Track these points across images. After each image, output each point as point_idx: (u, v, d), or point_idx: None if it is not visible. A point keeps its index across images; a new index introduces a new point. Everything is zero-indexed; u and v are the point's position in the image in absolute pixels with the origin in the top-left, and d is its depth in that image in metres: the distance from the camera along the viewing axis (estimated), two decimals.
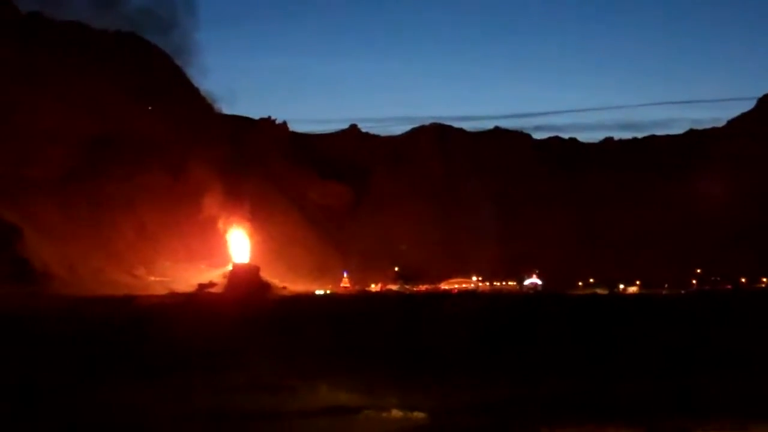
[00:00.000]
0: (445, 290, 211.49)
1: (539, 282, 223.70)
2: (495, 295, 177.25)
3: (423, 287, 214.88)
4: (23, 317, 72.44)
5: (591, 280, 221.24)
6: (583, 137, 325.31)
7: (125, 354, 44.21)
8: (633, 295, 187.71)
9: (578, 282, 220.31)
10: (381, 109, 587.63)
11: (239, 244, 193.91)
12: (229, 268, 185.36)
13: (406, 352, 45.59)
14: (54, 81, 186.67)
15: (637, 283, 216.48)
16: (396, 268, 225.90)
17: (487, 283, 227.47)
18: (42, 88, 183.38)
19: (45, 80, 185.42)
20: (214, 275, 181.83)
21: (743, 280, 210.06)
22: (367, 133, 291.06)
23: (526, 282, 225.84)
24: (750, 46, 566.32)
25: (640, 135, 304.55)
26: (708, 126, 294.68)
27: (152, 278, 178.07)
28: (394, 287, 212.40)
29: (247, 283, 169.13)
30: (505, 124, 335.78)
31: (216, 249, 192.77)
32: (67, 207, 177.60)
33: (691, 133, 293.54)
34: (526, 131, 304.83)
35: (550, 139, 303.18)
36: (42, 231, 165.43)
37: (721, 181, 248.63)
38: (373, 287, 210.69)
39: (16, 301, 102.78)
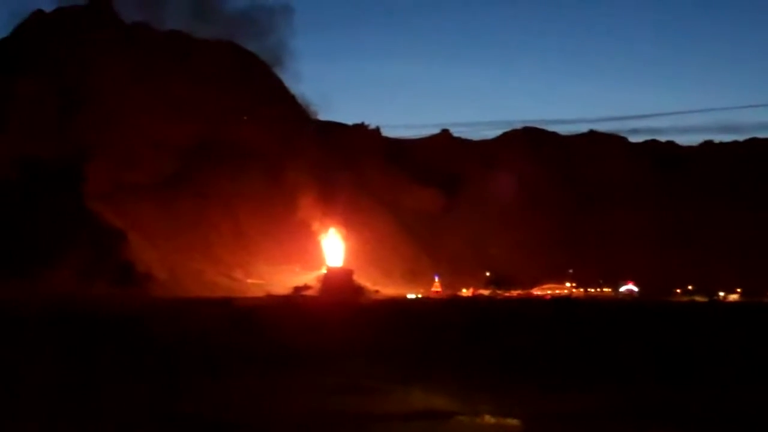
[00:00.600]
0: (537, 296, 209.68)
1: (635, 289, 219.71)
2: (591, 302, 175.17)
3: (515, 293, 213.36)
4: (128, 318, 75.10)
5: (690, 287, 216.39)
6: (682, 140, 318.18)
7: (226, 354, 45.53)
8: (734, 302, 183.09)
9: (676, 289, 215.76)
10: (473, 114, 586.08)
11: (333, 247, 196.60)
12: (323, 271, 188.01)
13: (499, 357, 45.94)
14: (156, 89, 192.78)
15: (738, 290, 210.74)
16: (487, 273, 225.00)
17: (582, 290, 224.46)
18: (145, 96, 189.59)
19: (148, 88, 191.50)
20: (309, 278, 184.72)
21: None
22: (459, 138, 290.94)
23: (622, 289, 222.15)
24: None
25: (741, 138, 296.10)
26: None
27: (249, 280, 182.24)
28: (485, 292, 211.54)
29: (340, 286, 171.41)
30: (600, 127, 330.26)
31: (310, 252, 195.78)
32: (169, 211, 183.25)
33: None
34: (622, 135, 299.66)
35: (647, 142, 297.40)
36: (145, 234, 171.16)
37: None
38: (465, 292, 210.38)
39: (122, 302, 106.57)
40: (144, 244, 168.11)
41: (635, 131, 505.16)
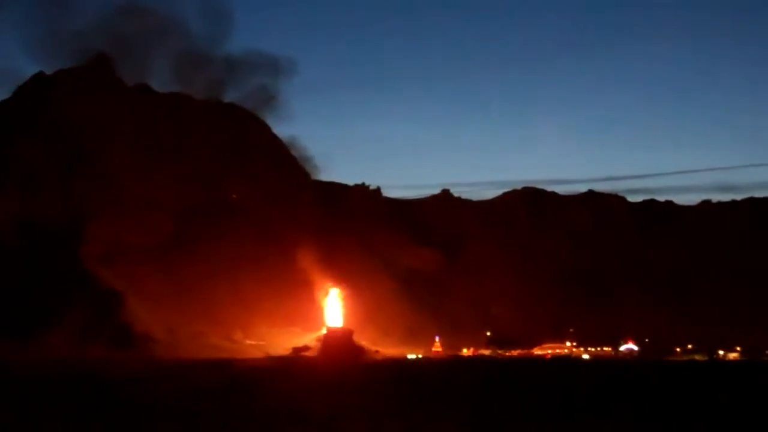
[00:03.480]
0: (538, 355, 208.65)
1: (635, 348, 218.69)
2: (593, 362, 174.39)
3: (515, 352, 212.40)
4: (123, 381, 74.79)
5: (689, 346, 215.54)
6: (680, 200, 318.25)
7: (225, 415, 45.38)
8: (733, 361, 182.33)
9: (676, 348, 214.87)
10: (473, 174, 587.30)
11: (333, 308, 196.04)
12: (323, 332, 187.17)
13: (506, 418, 45.79)
14: (156, 150, 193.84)
15: (738, 349, 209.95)
16: (488, 333, 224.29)
17: (582, 349, 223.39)
18: (145, 157, 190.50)
19: (148, 150, 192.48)
20: (309, 339, 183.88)
21: None
22: (459, 198, 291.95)
23: (622, 348, 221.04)
24: None
25: (739, 197, 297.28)
26: None
27: (249, 342, 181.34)
28: (486, 352, 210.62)
29: (340, 346, 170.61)
30: (598, 187, 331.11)
31: (310, 313, 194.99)
32: (168, 272, 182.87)
33: None
34: (620, 194, 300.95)
35: (645, 202, 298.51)
36: (143, 296, 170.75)
37: None
38: (465, 352, 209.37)
39: (117, 365, 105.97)
40: (143, 305, 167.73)
41: (633, 191, 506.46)
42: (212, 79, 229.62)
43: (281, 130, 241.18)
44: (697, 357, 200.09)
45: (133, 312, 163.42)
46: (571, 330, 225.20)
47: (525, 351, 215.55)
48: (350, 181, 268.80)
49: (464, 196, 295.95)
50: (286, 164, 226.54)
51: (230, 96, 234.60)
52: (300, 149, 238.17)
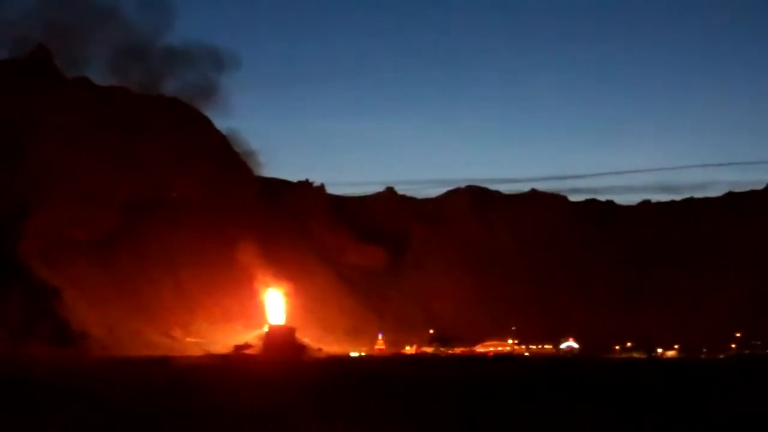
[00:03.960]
0: (480, 353, 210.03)
1: (576, 345, 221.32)
2: (533, 359, 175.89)
3: (458, 350, 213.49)
4: (61, 379, 73.35)
5: (628, 344, 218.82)
6: (621, 199, 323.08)
7: (162, 414, 44.61)
8: (671, 359, 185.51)
9: (615, 346, 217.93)
10: (417, 172, 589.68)
11: (275, 305, 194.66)
12: (265, 329, 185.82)
13: (448, 416, 45.63)
14: (97, 144, 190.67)
15: (676, 347, 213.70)
16: (431, 330, 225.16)
17: (523, 347, 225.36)
18: (85, 151, 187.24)
19: (88, 144, 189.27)
20: (250, 336, 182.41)
21: None
22: (403, 196, 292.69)
23: (563, 345, 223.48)
24: None
25: (677, 197, 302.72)
26: (747, 188, 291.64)
27: (189, 339, 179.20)
28: (429, 350, 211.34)
29: (282, 344, 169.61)
30: (541, 186, 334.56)
31: (252, 310, 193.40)
32: (107, 268, 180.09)
33: (730, 195, 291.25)
34: (562, 193, 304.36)
35: (587, 201, 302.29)
36: (82, 292, 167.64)
37: (760, 243, 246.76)
38: (408, 349, 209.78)
39: (55, 363, 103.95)
40: (81, 302, 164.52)
41: (575, 190, 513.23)
42: (152, 72, 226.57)
43: (223, 124, 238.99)
44: (636, 355, 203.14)
45: (71, 309, 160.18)
46: (513, 328, 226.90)
47: (467, 348, 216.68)
48: (294, 178, 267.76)
49: (408, 193, 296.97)
50: (228, 159, 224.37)
51: (171, 89, 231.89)
52: (242, 143, 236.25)
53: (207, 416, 43.77)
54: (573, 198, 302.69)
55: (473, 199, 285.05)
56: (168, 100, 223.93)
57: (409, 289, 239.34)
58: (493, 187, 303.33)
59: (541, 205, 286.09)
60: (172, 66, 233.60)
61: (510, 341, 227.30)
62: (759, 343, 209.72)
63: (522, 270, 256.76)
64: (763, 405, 52.97)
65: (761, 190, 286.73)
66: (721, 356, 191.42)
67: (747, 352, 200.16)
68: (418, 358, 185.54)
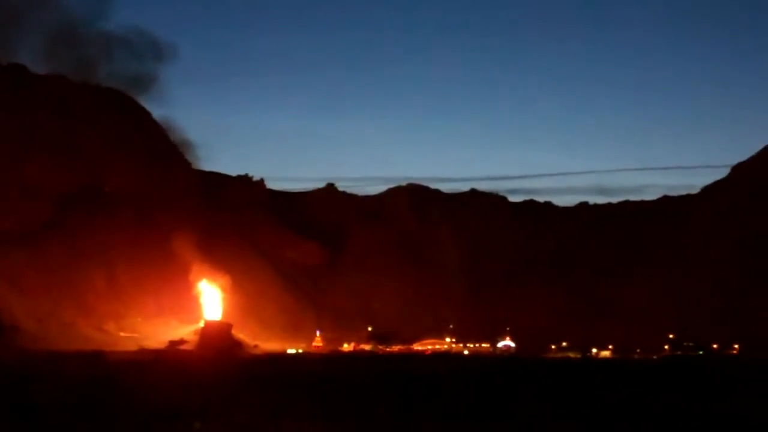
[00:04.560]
0: (418, 351, 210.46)
1: (512, 345, 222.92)
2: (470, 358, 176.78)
3: (396, 348, 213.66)
4: None
5: (564, 344, 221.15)
6: (559, 201, 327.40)
7: (93, 410, 43.54)
8: (605, 359, 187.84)
9: (551, 345, 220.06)
10: (358, 169, 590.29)
11: (212, 300, 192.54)
12: (201, 325, 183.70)
13: (372, 411, 45.26)
14: (32, 135, 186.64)
15: (610, 347, 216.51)
16: (369, 328, 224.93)
17: (461, 345, 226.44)
18: (17, 140, 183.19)
19: (23, 134, 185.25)
20: (186, 332, 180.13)
21: (715, 346, 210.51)
22: (344, 192, 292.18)
23: (500, 344, 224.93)
24: (724, 115, 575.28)
25: (614, 200, 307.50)
26: (682, 193, 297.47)
27: (122, 334, 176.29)
28: (366, 347, 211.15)
29: (218, 340, 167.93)
30: (481, 186, 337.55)
31: (188, 305, 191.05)
32: (39, 261, 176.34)
33: (665, 199, 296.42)
34: (501, 194, 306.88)
35: (525, 202, 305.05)
36: (13, 284, 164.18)
37: (693, 247, 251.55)
38: (346, 347, 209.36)
39: None
40: (11, 294, 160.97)
41: (514, 191, 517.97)
42: (89, 60, 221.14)
43: (161, 115, 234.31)
44: (571, 354, 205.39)
45: (1, 301, 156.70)
46: (451, 326, 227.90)
47: (405, 346, 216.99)
48: (233, 172, 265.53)
49: (349, 190, 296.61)
50: (165, 151, 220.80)
51: (108, 78, 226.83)
52: (179, 134, 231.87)
53: (122, 413, 42.76)
54: (512, 198, 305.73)
55: (413, 198, 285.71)
56: (104, 89, 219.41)
57: (347, 286, 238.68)
58: (433, 185, 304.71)
59: (480, 205, 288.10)
60: (109, 54, 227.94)
61: (448, 340, 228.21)
62: (692, 344, 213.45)
63: (461, 269, 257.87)
64: (693, 404, 53.62)
65: (696, 194, 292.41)
66: (654, 357, 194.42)
67: (679, 353, 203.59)
68: (354, 355, 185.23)
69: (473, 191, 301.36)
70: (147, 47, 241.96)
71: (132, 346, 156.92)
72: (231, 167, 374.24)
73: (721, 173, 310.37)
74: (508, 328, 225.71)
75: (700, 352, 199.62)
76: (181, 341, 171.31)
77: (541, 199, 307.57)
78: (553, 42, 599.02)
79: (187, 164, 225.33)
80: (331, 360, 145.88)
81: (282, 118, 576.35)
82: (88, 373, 76.15)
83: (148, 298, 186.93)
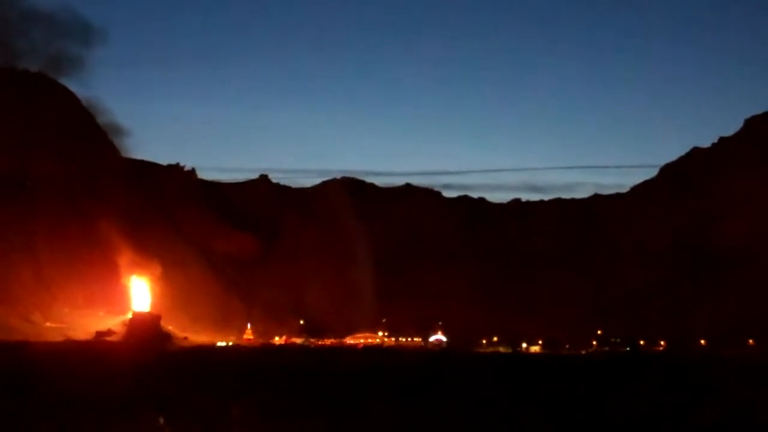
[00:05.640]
0: (350, 345, 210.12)
1: (444, 339, 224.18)
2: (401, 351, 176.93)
3: (328, 341, 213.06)
4: None
5: (495, 339, 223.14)
6: (492, 197, 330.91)
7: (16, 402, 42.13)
8: (534, 354, 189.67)
9: (482, 340, 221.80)
10: (292, 161, 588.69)
11: (140, 291, 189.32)
12: (129, 316, 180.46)
13: (310, 405, 44.70)
14: None
15: (540, 342, 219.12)
16: (301, 321, 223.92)
17: (393, 339, 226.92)
18: None
19: None
20: (114, 323, 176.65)
21: (642, 342, 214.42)
22: (277, 184, 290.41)
23: (431, 338, 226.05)
24: (653, 117, 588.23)
25: (546, 197, 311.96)
26: (612, 191, 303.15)
27: (48, 324, 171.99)
28: (298, 340, 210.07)
29: (146, 332, 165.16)
30: (416, 181, 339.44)
31: (116, 296, 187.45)
32: None
33: (596, 197, 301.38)
34: (436, 189, 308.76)
35: (459, 197, 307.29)
36: None
37: (622, 244, 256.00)
38: (277, 340, 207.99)
39: None
40: None
41: (448, 186, 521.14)
42: (8, 41, 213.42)
43: (87, 98, 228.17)
44: (502, 349, 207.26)
45: None
46: (383, 320, 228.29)
47: (337, 340, 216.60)
48: (164, 161, 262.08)
49: (282, 182, 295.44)
50: (92, 138, 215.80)
51: (34, 63, 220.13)
52: (107, 117, 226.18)
53: (55, 404, 41.52)
54: (446, 194, 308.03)
55: (348, 191, 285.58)
56: (31, 75, 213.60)
57: (280, 279, 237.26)
58: (368, 179, 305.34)
59: (414, 200, 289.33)
60: (33, 35, 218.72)
61: (380, 333, 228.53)
62: (618, 340, 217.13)
63: (393, 263, 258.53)
64: (621, 399, 54.12)
65: (625, 193, 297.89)
66: (583, 352, 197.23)
67: (606, 348, 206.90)
68: (285, 348, 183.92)
69: (408, 186, 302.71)
70: (73, 27, 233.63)
71: (58, 337, 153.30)
72: (162, 156, 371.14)
73: (650, 173, 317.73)
74: (440, 323, 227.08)
75: (627, 349, 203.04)
76: (109, 332, 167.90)
77: (475, 195, 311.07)
78: (486, 39, 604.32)
79: (115, 151, 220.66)
80: (262, 353, 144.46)
81: (215, 108, 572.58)
82: (11, 364, 74.13)
83: (76, 289, 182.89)
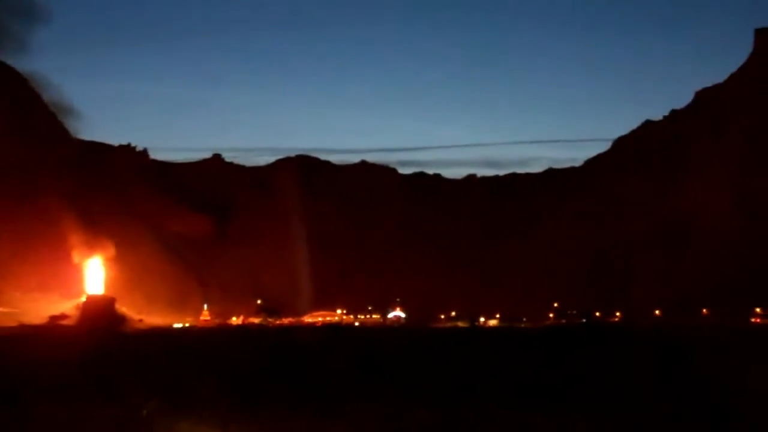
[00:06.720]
0: (308, 323, 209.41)
1: (402, 315, 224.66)
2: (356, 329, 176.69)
3: (286, 320, 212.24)
4: None
5: (453, 314, 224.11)
6: (448, 173, 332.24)
7: None
8: (492, 328, 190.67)
9: (441, 315, 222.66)
10: (245, 139, 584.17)
11: (94, 274, 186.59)
12: (83, 299, 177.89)
13: (261, 386, 43.88)
14: None
15: (497, 316, 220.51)
16: (259, 301, 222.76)
17: (351, 316, 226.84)
18: None
19: None
20: (67, 307, 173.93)
21: (597, 314, 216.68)
22: (231, 163, 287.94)
23: (390, 315, 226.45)
24: (607, 91, 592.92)
25: (501, 172, 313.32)
26: (566, 165, 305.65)
27: (0, 309, 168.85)
28: (256, 320, 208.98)
29: (101, 315, 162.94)
30: (371, 158, 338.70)
31: (69, 279, 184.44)
32: None
33: (550, 171, 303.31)
34: (392, 166, 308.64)
35: (415, 174, 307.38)
36: None
37: (577, 218, 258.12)
38: (235, 320, 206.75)
39: None
40: None
41: (404, 163, 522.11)
42: None
43: (41, 85, 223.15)
44: (460, 324, 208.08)
45: None
46: (341, 298, 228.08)
47: (296, 319, 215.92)
48: (115, 141, 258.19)
49: (236, 161, 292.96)
50: (45, 120, 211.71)
51: None
52: (54, 95, 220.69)
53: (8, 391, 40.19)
54: (402, 170, 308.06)
55: (302, 169, 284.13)
56: None
57: (235, 259, 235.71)
58: (323, 157, 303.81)
59: (370, 177, 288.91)
60: None
61: (339, 311, 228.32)
62: (575, 312, 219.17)
63: (350, 240, 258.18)
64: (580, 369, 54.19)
65: (579, 167, 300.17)
66: (540, 326, 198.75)
67: (563, 321, 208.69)
68: (242, 328, 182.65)
69: (363, 163, 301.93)
70: (16, 3, 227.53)
71: (10, 322, 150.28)
72: (113, 137, 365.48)
73: (604, 146, 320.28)
74: (398, 299, 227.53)
75: (584, 320, 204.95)
76: (63, 316, 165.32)
77: (430, 171, 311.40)
78: (442, 18, 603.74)
79: (65, 131, 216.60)
80: (219, 334, 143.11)
81: (166, 86, 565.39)
82: None
83: (27, 272, 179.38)
